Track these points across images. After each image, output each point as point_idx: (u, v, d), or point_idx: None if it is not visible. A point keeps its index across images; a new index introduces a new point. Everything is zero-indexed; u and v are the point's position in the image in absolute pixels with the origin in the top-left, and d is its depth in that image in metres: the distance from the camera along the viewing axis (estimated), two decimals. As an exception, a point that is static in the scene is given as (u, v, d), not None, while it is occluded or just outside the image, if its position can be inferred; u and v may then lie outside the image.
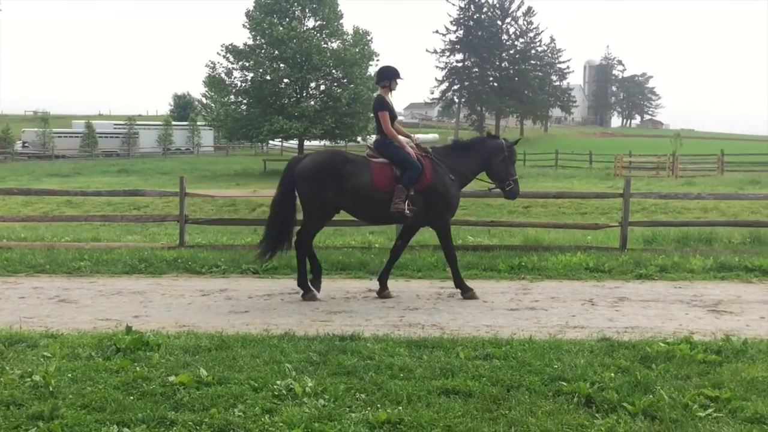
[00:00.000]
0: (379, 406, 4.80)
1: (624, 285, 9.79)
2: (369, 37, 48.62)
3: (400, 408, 4.74)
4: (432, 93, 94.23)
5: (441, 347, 6.25)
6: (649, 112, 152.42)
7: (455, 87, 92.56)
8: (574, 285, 9.78)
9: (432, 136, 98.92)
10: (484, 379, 5.30)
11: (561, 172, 47.22)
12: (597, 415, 4.67)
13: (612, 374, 5.39)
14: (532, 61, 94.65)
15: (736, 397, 4.91)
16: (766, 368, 5.58)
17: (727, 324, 7.54)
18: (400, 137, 8.96)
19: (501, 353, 5.97)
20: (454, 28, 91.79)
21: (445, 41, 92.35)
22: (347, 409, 4.78)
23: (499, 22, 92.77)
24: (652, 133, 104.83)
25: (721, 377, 5.34)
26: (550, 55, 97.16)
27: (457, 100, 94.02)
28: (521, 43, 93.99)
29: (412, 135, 9.42)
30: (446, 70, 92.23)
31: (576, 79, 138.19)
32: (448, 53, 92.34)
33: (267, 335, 6.71)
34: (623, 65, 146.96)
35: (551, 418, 4.56)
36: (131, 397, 4.92)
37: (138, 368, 5.49)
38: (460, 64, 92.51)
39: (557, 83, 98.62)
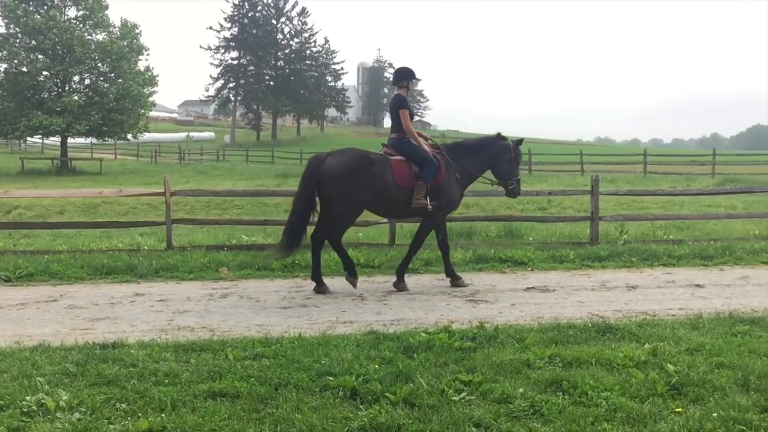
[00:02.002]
0: (140, 414, 4.61)
1: (392, 279, 10.14)
2: (138, 31, 46.38)
3: (164, 415, 4.58)
4: (207, 90, 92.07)
5: (210, 349, 6.13)
6: (418, 113, 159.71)
7: (231, 85, 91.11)
8: (345, 281, 9.98)
9: (208, 135, 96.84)
10: (253, 379, 5.27)
11: (337, 170, 48.12)
12: (361, 406, 4.81)
13: (377, 366, 5.58)
14: (308, 62, 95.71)
15: (487, 380, 5.28)
16: (513, 351, 6.06)
17: (483, 312, 8.09)
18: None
19: (271, 352, 5.97)
20: (229, 25, 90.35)
21: (219, 38, 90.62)
22: (106, 421, 4.53)
23: (274, 21, 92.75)
24: (432, 133, 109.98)
25: (475, 362, 5.72)
26: (324, 55, 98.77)
27: (233, 98, 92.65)
28: (296, 43, 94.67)
29: (426, 135, 9.80)
30: (221, 67, 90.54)
31: (350, 80, 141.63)
32: (222, 50, 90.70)
33: (18, 348, 6.19)
34: (394, 68, 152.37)
35: (317, 413, 4.63)
36: None
37: None
38: (235, 62, 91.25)
39: (332, 84, 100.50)
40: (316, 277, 9.36)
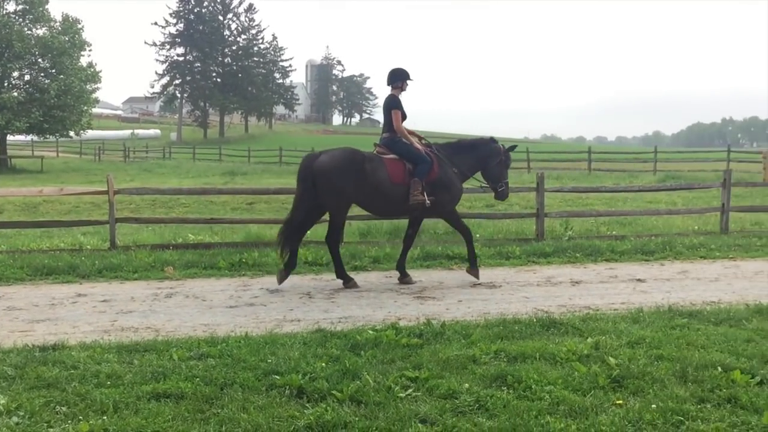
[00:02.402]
0: (81, 417, 4.52)
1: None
2: (80, 26, 45.43)
3: (106, 417, 4.50)
4: (152, 87, 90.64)
5: (154, 350, 6.04)
6: (367, 111, 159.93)
7: (177, 81, 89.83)
8: (293, 279, 9.89)
9: (153, 132, 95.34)
10: (198, 379, 5.21)
11: (285, 168, 47.84)
12: (308, 405, 4.80)
13: (324, 364, 5.58)
14: (255, 58, 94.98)
15: (433, 376, 5.32)
16: (460, 347, 6.11)
17: (430, 309, 8.14)
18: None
19: (216, 352, 5.92)
20: (174, 20, 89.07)
21: (164, 34, 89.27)
22: (45, 424, 4.43)
23: (221, 17, 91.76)
24: (371, 131, 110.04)
25: (422, 359, 5.76)
26: (272, 52, 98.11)
27: (179, 95, 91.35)
28: (244, 39, 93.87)
29: (418, 134, 9.96)
30: (167, 63, 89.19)
31: (299, 77, 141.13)
32: (168, 46, 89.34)
33: (-48, 353, 6.01)
34: (342, 66, 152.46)
35: (263, 413, 4.60)
36: None
37: None
38: (181, 58, 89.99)
39: (280, 81, 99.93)
40: (341, 275, 9.51)
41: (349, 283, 9.42)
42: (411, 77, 9.89)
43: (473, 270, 9.84)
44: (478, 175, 10.34)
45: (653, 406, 4.68)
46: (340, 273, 9.51)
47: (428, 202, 9.41)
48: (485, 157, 10.13)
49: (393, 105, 9.67)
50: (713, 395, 4.93)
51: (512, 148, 10.50)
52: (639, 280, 9.87)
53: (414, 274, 10.23)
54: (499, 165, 10.17)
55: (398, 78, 9.83)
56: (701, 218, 15.87)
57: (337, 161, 9.22)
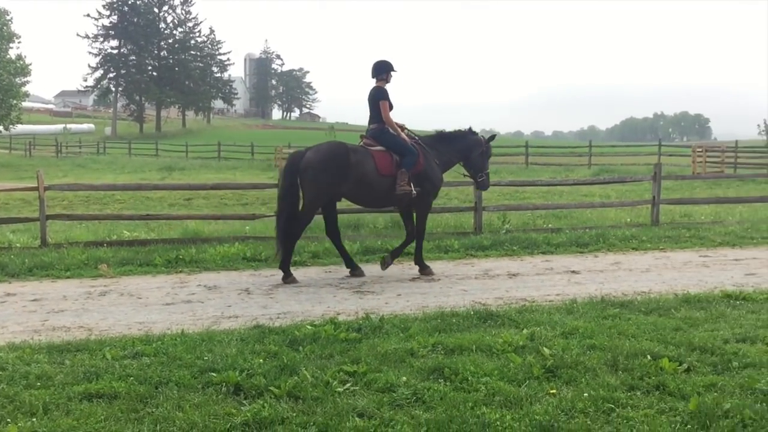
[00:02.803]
0: (9, 420, 4.39)
1: (279, 273, 10.07)
2: (8, 17, 44.07)
3: (35, 419, 4.38)
4: (86, 80, 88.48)
5: (87, 350, 5.91)
6: (307, 106, 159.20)
7: (111, 75, 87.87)
8: (231, 275, 9.87)
9: (87, 126, 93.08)
10: (132, 378, 5.11)
11: (224, 163, 47.37)
12: (245, 401, 4.77)
13: (261, 360, 5.54)
14: (192, 52, 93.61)
15: (372, 370, 5.34)
16: (398, 341, 6.15)
17: (369, 303, 8.17)
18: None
19: (151, 350, 5.82)
20: (108, 12, 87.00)
21: (98, 26, 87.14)
22: (-29, 428, 4.30)
23: (156, 10, 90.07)
24: (311, 126, 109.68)
25: (360, 353, 5.77)
26: (210, 46, 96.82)
27: (113, 89, 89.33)
28: (180, 32, 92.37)
29: (404, 125, 9.99)
30: (100, 56, 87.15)
31: (237, 71, 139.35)
32: (102, 39, 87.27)
33: None
34: (282, 59, 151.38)
35: (199, 411, 4.55)
36: None
37: None
38: (115, 51, 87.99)
39: (218, 75, 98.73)
40: (350, 264, 9.84)
41: (356, 272, 9.79)
42: (395, 69, 10.00)
43: (425, 270, 9.90)
44: (460, 167, 10.70)
45: (585, 394, 4.80)
46: (348, 263, 9.89)
47: (414, 192, 9.62)
48: (467, 148, 10.37)
49: (380, 96, 9.78)
50: (643, 383, 5.07)
51: (492, 138, 10.79)
52: (573, 271, 10.08)
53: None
54: (480, 156, 10.44)
55: (383, 70, 9.92)
56: (633, 211, 16.28)
57: (325, 155, 9.36)
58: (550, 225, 14.24)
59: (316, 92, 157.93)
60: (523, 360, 5.54)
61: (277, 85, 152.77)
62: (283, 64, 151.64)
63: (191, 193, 23.37)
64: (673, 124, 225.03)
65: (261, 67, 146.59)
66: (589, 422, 4.40)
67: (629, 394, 4.88)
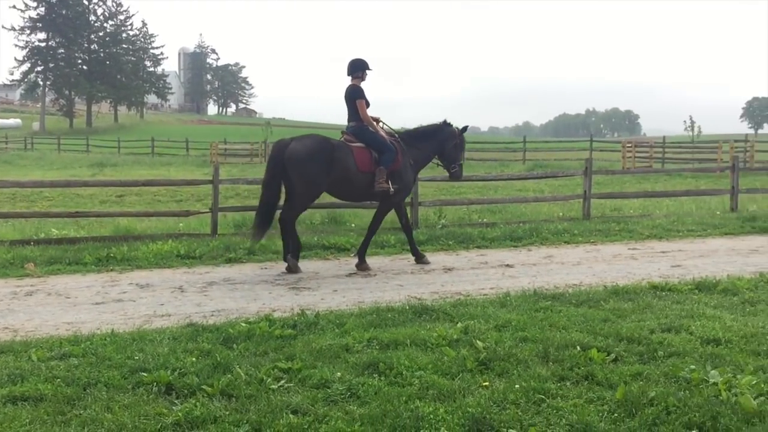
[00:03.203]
0: (-72, 427, 4.23)
1: (214, 270, 9.99)
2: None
3: (-44, 425, 4.23)
4: (12, 74, 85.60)
5: (11, 351, 5.73)
6: (243, 101, 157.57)
7: (39, 68, 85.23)
8: (164, 273, 9.70)
9: (13, 122, 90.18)
10: (59, 380, 4.97)
11: (158, 159, 46.56)
12: (176, 401, 4.69)
13: (194, 359, 5.46)
14: (124, 45, 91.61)
15: (306, 366, 5.32)
16: (333, 337, 6.14)
17: (305, 299, 8.13)
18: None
19: (80, 351, 5.67)
20: (35, 4, 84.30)
21: (24, 18, 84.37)
22: None
23: (86, 2, 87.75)
24: (247, 121, 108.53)
25: (295, 349, 5.74)
26: (142, 39, 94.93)
27: (41, 83, 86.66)
28: (111, 25, 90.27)
29: (379, 118, 10.19)
30: (27, 49, 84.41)
31: (171, 65, 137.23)
32: (28, 31, 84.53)
33: None
34: (217, 54, 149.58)
35: (129, 411, 4.46)
36: None
37: None
38: (43, 44, 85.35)
39: (151, 69, 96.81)
40: (287, 258, 9.80)
41: (292, 264, 9.70)
42: (370, 67, 10.18)
43: (362, 264, 9.93)
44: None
45: (517, 386, 4.87)
46: (286, 256, 9.85)
47: (392, 189, 9.83)
48: (442, 141, 10.66)
49: (357, 95, 9.96)
50: (572, 373, 5.18)
51: (464, 129, 10.95)
52: (508, 265, 10.23)
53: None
54: (455, 147, 10.74)
55: (359, 68, 10.11)
56: (566, 205, 16.61)
57: (310, 148, 9.52)
58: (485, 219, 14.43)
59: (252, 87, 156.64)
60: (457, 353, 5.60)
61: (213, 80, 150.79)
62: (218, 58, 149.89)
63: (123, 190, 22.90)
64: (605, 120, 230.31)
65: (196, 61, 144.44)
66: (520, 413, 4.48)
67: (559, 384, 4.98)
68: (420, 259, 10.33)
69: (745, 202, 16.83)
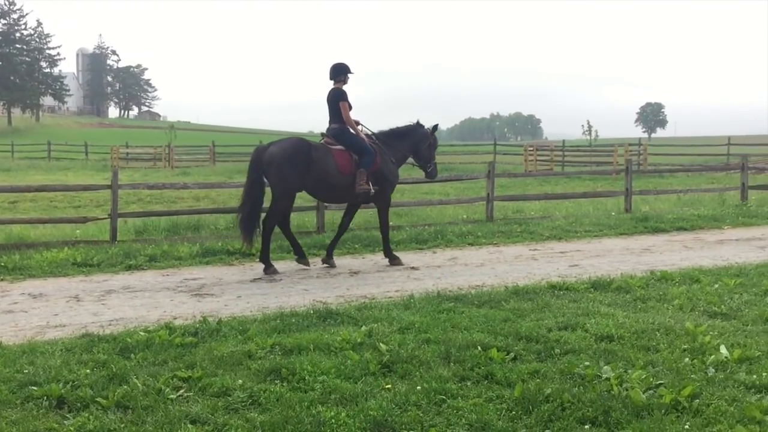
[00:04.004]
0: None
1: (113, 277, 9.68)
2: None
3: None
4: None
5: None
6: (146, 104, 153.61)
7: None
8: (60, 282, 9.34)
9: None
10: (-59, 397, 4.71)
11: (55, 164, 44.82)
12: (68, 415, 4.51)
13: (89, 370, 5.27)
14: (18, 45, 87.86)
15: (207, 375, 5.22)
16: (236, 343, 6.04)
17: (208, 306, 7.98)
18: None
19: (-36, 366, 5.39)
20: None
21: None
22: None
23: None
24: (150, 125, 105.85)
25: (195, 358, 5.62)
26: (37, 39, 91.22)
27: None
28: (4, 24, 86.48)
29: (358, 120, 10.38)
30: None
31: (69, 67, 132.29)
32: None
33: None
34: (118, 55, 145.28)
35: (17, 427, 4.26)
36: None
37: None
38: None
39: (47, 70, 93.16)
40: (265, 260, 9.92)
41: (269, 269, 9.84)
42: (352, 71, 10.38)
43: (394, 260, 10.49)
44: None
45: (419, 387, 4.92)
46: (264, 258, 9.95)
47: (373, 191, 10.09)
48: (417, 141, 10.99)
49: (341, 98, 10.17)
50: (473, 373, 5.27)
51: (435, 128, 11.29)
52: (413, 267, 10.33)
53: (193, 271, 10.03)
54: (429, 147, 11.12)
55: (341, 72, 10.31)
56: (470, 207, 16.92)
57: (287, 150, 9.77)
58: (391, 223, 14.46)
59: (155, 90, 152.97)
60: (361, 357, 5.60)
61: (114, 81, 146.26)
62: (119, 60, 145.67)
63: (16, 196, 21.89)
64: (508, 125, 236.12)
65: (95, 62, 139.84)
66: (421, 414, 4.52)
67: (460, 384, 5.06)
68: (329, 259, 10.51)
69: (638, 203, 17.57)
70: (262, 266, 9.97)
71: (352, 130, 10.26)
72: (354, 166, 10.06)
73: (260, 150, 10.04)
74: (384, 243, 10.70)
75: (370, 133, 10.64)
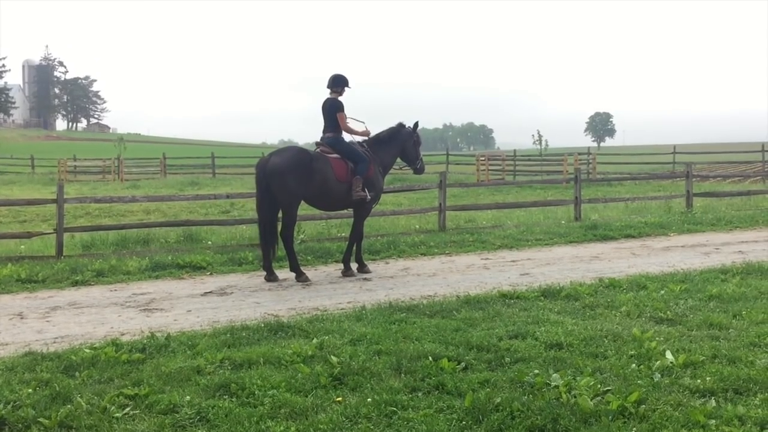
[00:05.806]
0: None
1: (59, 294, 9.47)
2: None
3: None
4: None
5: None
6: (95, 116, 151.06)
7: None
8: (3, 299, 9.09)
9: None
10: None
11: (0, 178, 43.69)
12: (9, 437, 4.39)
13: (31, 390, 5.14)
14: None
15: (154, 392, 5.12)
16: (185, 359, 5.95)
17: (157, 321, 7.84)
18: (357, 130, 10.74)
19: None
20: None
21: None
22: None
23: None
24: (100, 137, 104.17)
25: (143, 374, 5.52)
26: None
27: None
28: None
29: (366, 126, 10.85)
30: None
31: (15, 79, 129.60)
32: None
33: None
34: (65, 67, 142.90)
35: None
36: None
37: None
38: None
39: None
40: (295, 269, 10.18)
41: (301, 277, 10.04)
42: (349, 85, 10.65)
43: (347, 271, 10.54)
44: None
45: (369, 399, 4.90)
46: (294, 266, 10.18)
47: (369, 197, 10.37)
48: (402, 142, 11.20)
49: (338, 108, 10.45)
50: (424, 384, 5.27)
51: (416, 125, 11.44)
52: (365, 279, 10.31)
53: (142, 285, 9.87)
54: (414, 146, 11.36)
55: (339, 83, 10.57)
56: (423, 217, 16.98)
57: (287, 160, 9.90)
58: (343, 234, 14.46)
59: (105, 102, 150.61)
60: (312, 369, 5.57)
61: (61, 93, 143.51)
62: (66, 71, 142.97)
63: (-41, 211, 21.27)
64: (461, 134, 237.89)
65: (42, 74, 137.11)
66: (371, 426, 4.51)
67: (411, 395, 5.06)
68: (363, 268, 10.74)
69: (587, 211, 17.86)
70: (213, 280, 9.87)
71: (347, 138, 10.58)
72: (350, 174, 10.31)
73: (263, 162, 10.16)
74: (347, 250, 10.74)
75: (360, 140, 10.87)
